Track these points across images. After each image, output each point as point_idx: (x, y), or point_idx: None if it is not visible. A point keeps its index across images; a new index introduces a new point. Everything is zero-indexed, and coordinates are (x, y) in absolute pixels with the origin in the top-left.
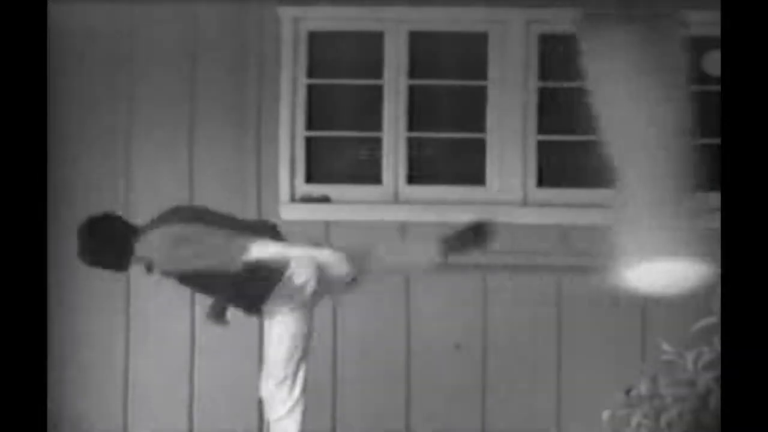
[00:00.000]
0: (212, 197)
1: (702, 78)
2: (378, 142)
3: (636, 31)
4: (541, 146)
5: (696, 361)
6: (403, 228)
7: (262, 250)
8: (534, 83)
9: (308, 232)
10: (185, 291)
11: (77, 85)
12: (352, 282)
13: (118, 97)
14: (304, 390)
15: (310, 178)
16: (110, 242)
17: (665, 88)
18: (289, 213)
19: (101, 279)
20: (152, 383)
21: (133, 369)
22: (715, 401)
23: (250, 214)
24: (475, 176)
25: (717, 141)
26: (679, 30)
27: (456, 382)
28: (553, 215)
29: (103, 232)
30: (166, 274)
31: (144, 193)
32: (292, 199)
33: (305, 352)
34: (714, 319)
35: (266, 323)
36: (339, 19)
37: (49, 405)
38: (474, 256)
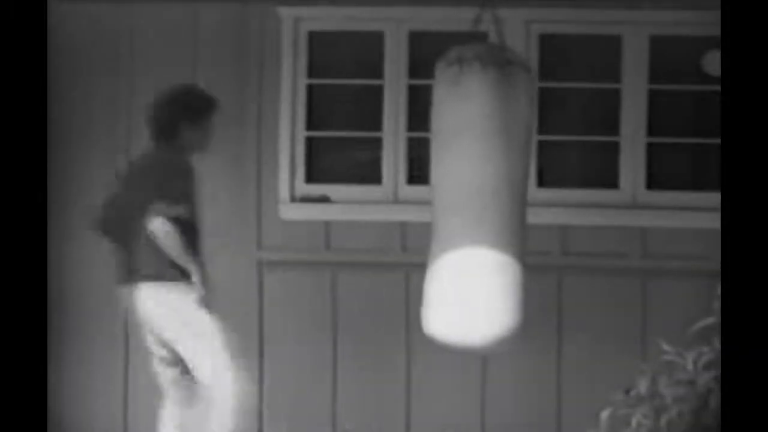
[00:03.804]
0: (212, 197)
1: (702, 78)
2: (378, 142)
3: (490, 79)
4: (541, 146)
5: (696, 361)
6: (403, 228)
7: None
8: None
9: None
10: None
11: (77, 85)
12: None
13: (118, 97)
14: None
15: (310, 178)
16: None
17: (508, 140)
18: (289, 213)
19: (101, 279)
20: (152, 385)
21: (133, 370)
22: (715, 401)
23: (250, 213)
24: None
25: (717, 141)
26: (527, 80)
27: (456, 381)
28: (553, 215)
29: None
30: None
31: None
32: (292, 199)
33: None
34: (714, 319)
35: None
36: (339, 19)
37: (50, 407)
38: None
